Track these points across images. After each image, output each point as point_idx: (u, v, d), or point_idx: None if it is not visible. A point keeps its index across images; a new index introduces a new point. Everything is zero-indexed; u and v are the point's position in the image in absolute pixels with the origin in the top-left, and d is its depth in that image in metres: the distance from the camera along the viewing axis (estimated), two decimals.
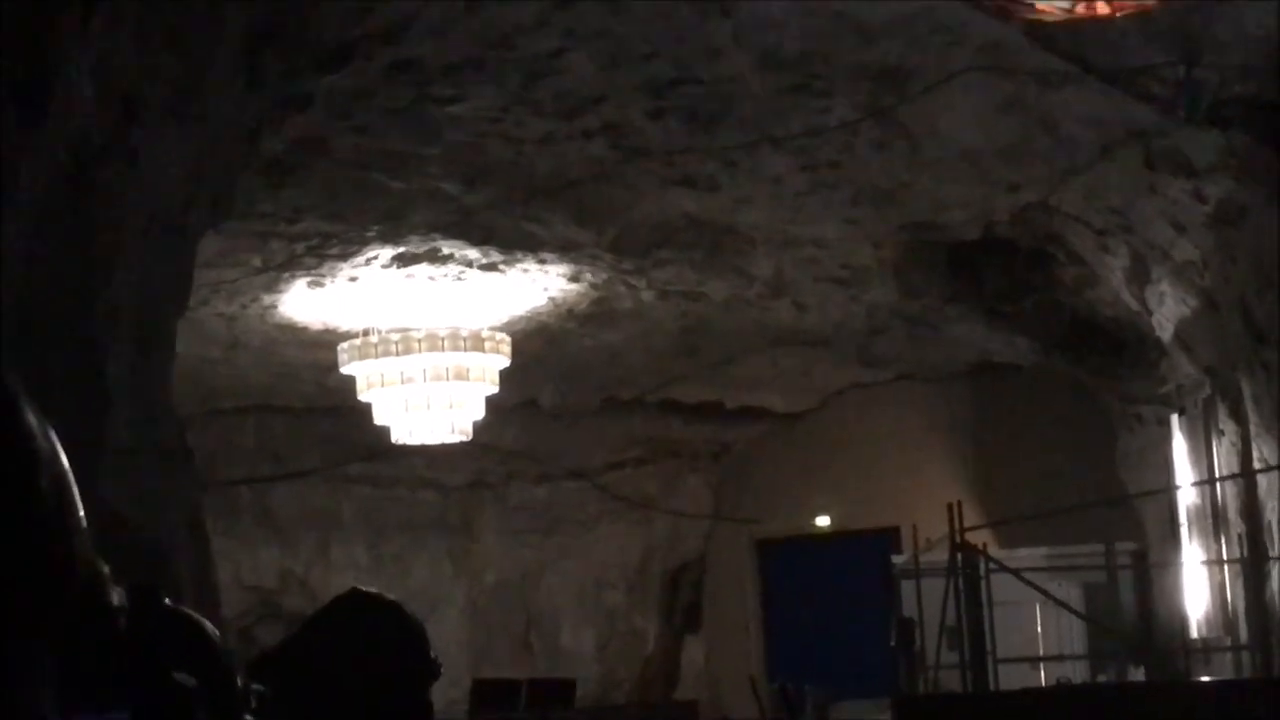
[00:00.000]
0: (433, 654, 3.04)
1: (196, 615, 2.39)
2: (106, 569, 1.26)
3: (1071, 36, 13.09)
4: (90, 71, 9.39)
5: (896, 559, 17.67)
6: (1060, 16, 10.86)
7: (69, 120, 9.43)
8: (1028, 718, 14.61)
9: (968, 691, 14.27)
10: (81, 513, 1.17)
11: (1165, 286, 17.51)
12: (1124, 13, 10.78)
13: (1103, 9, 10.56)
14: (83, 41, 9.23)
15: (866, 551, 23.93)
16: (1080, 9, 10.61)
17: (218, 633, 2.07)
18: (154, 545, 10.11)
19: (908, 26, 13.05)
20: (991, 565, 15.01)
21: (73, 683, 1.23)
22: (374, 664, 2.95)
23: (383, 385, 19.20)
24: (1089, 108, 14.62)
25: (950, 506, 15.20)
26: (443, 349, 18.78)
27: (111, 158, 10.09)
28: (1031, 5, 10.77)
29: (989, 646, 14.74)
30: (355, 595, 3.07)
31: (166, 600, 2.31)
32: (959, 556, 14.58)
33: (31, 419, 1.19)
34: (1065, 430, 22.42)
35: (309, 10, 11.02)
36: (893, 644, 15.88)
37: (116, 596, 1.29)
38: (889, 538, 22.68)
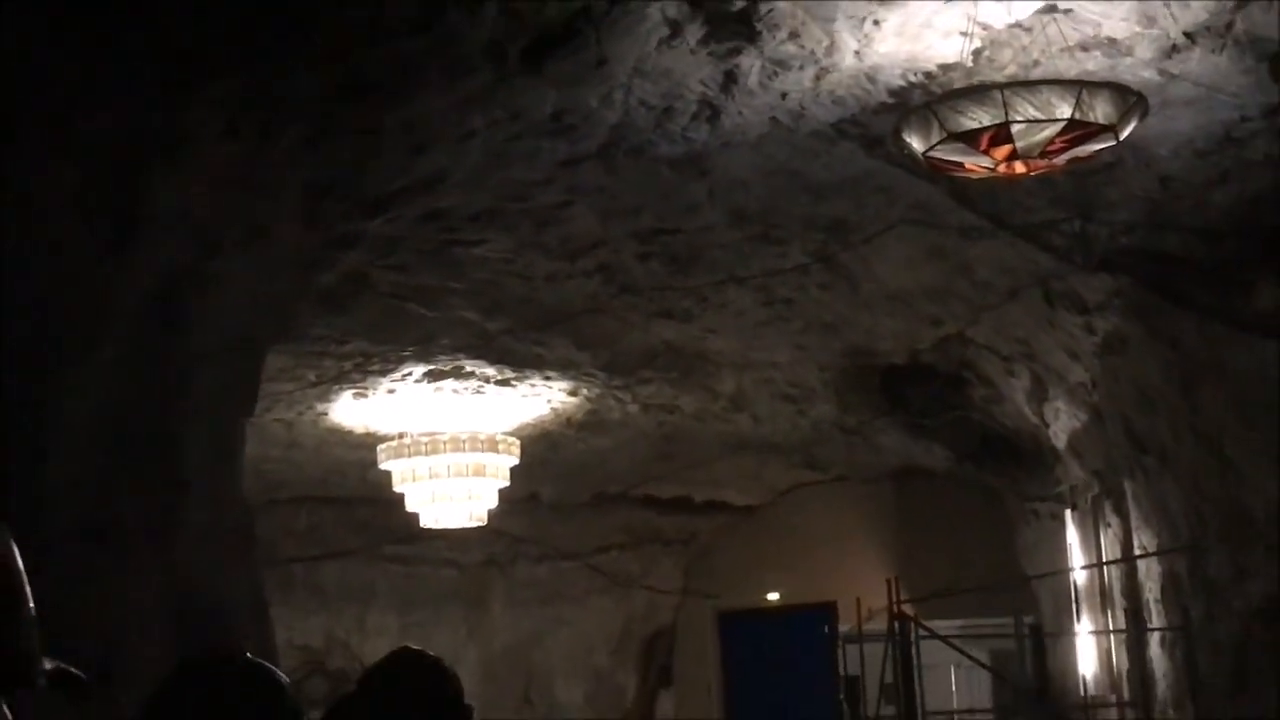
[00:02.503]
0: (467, 701, 3.06)
1: (271, 666, 2.24)
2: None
3: (987, 196, 12.99)
4: (176, 211, 9.25)
5: (843, 627, 17.36)
6: (984, 175, 10.65)
7: (157, 251, 9.28)
8: None
9: None
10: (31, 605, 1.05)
11: (1060, 404, 17.42)
12: (1037, 172, 10.59)
13: (1020, 169, 10.36)
14: (169, 185, 9.06)
15: (809, 621, 23.87)
16: (1001, 169, 10.41)
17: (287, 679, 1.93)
18: (223, 610, 9.94)
19: (852, 187, 12.96)
20: (921, 632, 14.78)
21: None
22: (426, 706, 2.96)
23: (414, 479, 19.41)
24: (1000, 256, 14.54)
25: (889, 582, 15.15)
26: (464, 449, 19.03)
27: (192, 284, 9.98)
28: (961, 165, 10.56)
29: (919, 702, 14.54)
30: (408, 652, 3.01)
31: (249, 655, 2.25)
32: (896, 624, 14.34)
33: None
34: (974, 523, 22.41)
35: (359, 167, 10.88)
36: (841, 697, 15.67)
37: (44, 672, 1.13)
38: (828, 610, 22.63)
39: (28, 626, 0.98)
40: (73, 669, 1.84)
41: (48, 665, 1.06)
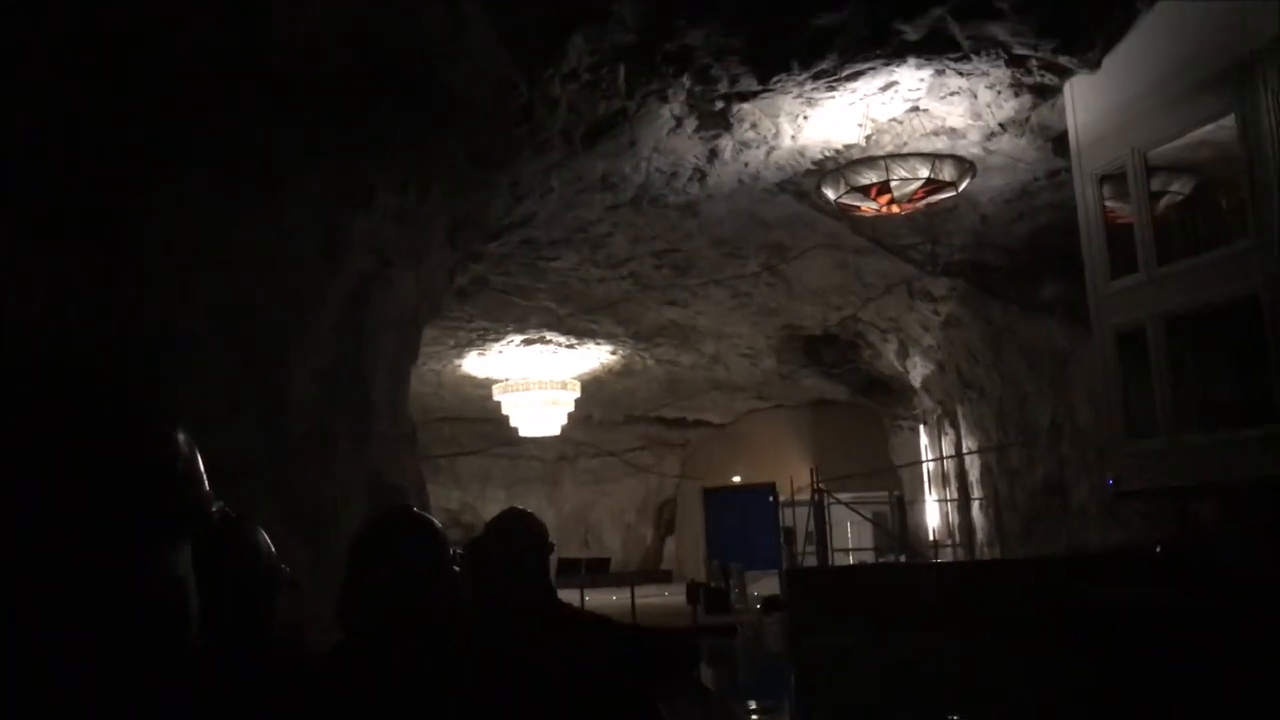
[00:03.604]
0: (551, 539, 2.89)
1: (431, 517, 2.06)
2: (217, 504, 0.98)
3: (872, 228, 12.80)
4: (365, 238, 9.12)
5: (782, 497, 17.19)
6: (873, 214, 10.49)
7: (355, 263, 9.15)
8: (848, 577, 14.28)
9: (820, 565, 13.95)
10: (202, 471, 0.94)
11: (917, 359, 17.25)
12: (906, 212, 10.42)
13: (896, 209, 10.19)
14: (361, 222, 8.94)
15: (760, 494, 23.66)
16: (884, 210, 10.24)
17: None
18: (399, 488, 9.84)
19: (788, 223, 12.79)
20: (830, 500, 14.63)
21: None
22: (526, 541, 2.79)
23: (515, 406, 19.22)
24: (880, 266, 14.36)
25: (812, 470, 14.96)
26: (545, 388, 18.84)
27: (377, 285, 9.84)
28: (858, 207, 10.40)
29: (829, 543, 14.41)
30: (514, 510, 2.88)
31: (416, 510, 2.08)
32: (815, 496, 14.21)
33: (177, 436, 0.93)
34: (863, 433, 22.24)
35: (481, 210, 10.75)
36: (781, 540, 15.52)
37: (216, 510, 1.00)
38: (772, 487, 22.36)
39: (186, 481, 0.79)
40: (229, 510, 1.67)
41: (214, 508, 0.90)
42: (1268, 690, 6.00)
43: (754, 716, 9.72)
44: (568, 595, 3.03)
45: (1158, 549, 7.79)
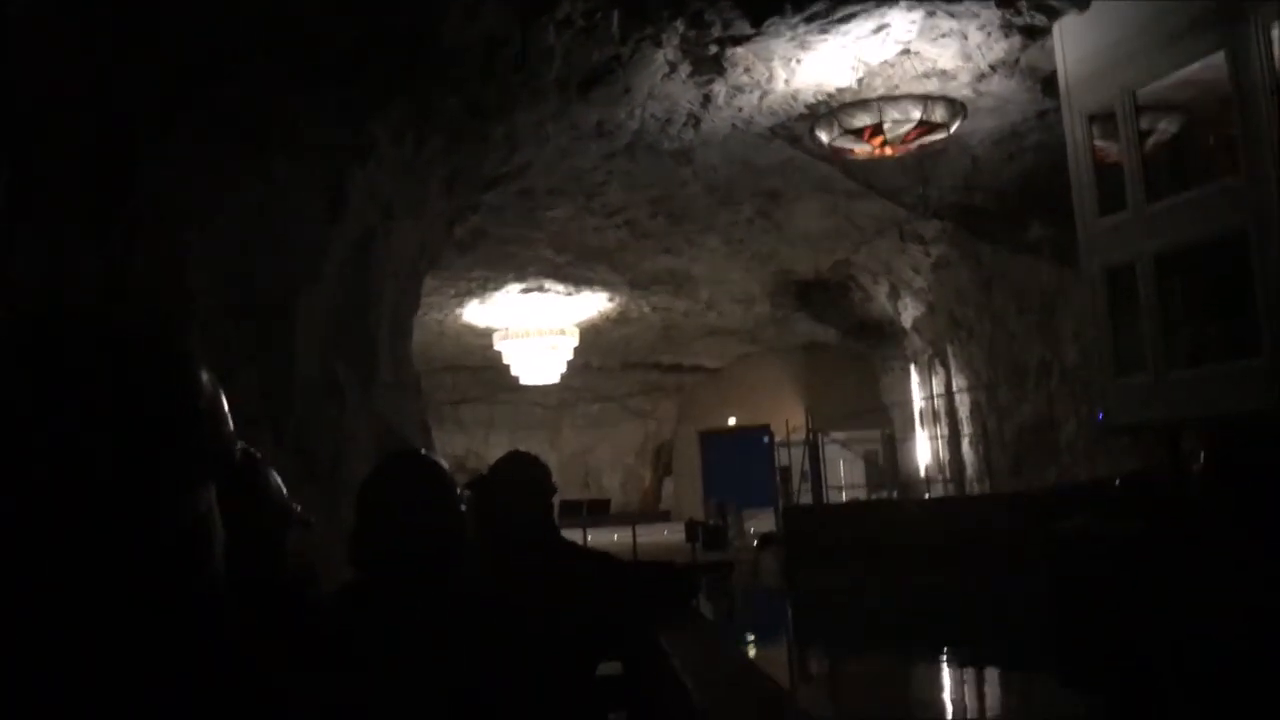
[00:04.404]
0: (554, 480, 2.95)
1: (437, 459, 2.11)
2: (239, 444, 0.97)
3: (864, 172, 12.69)
4: (366, 189, 9.03)
5: (777, 438, 17.26)
6: (866, 156, 10.38)
7: (356, 214, 9.06)
8: (842, 512, 14.37)
9: (815, 503, 14.02)
10: (229, 419, 0.93)
11: (908, 301, 17.21)
12: (898, 154, 10.32)
13: (889, 151, 10.09)
14: (362, 173, 8.84)
15: (755, 435, 23.81)
16: (877, 152, 10.13)
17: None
18: (403, 433, 9.84)
19: (781, 167, 12.67)
20: (824, 440, 14.68)
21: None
22: (527, 482, 2.84)
23: (516, 354, 19.12)
24: (871, 210, 14.27)
25: (807, 410, 14.99)
26: (545, 335, 18.75)
27: (378, 237, 9.76)
28: (852, 150, 10.29)
29: (824, 481, 14.47)
30: (518, 452, 2.87)
31: (423, 453, 2.12)
32: (809, 436, 14.23)
33: (200, 375, 0.91)
34: (854, 374, 22.22)
35: (478, 161, 10.62)
36: (777, 480, 15.58)
37: (239, 453, 1.00)
38: (767, 429, 22.47)
39: (212, 420, 0.81)
40: (251, 449, 1.67)
41: (237, 446, 0.92)
42: (1177, 603, 6.60)
43: (751, 649, 9.82)
44: (570, 535, 3.04)
45: (1117, 483, 7.96)
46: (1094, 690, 6.92)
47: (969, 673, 8.31)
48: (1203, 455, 7.43)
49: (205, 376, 0.91)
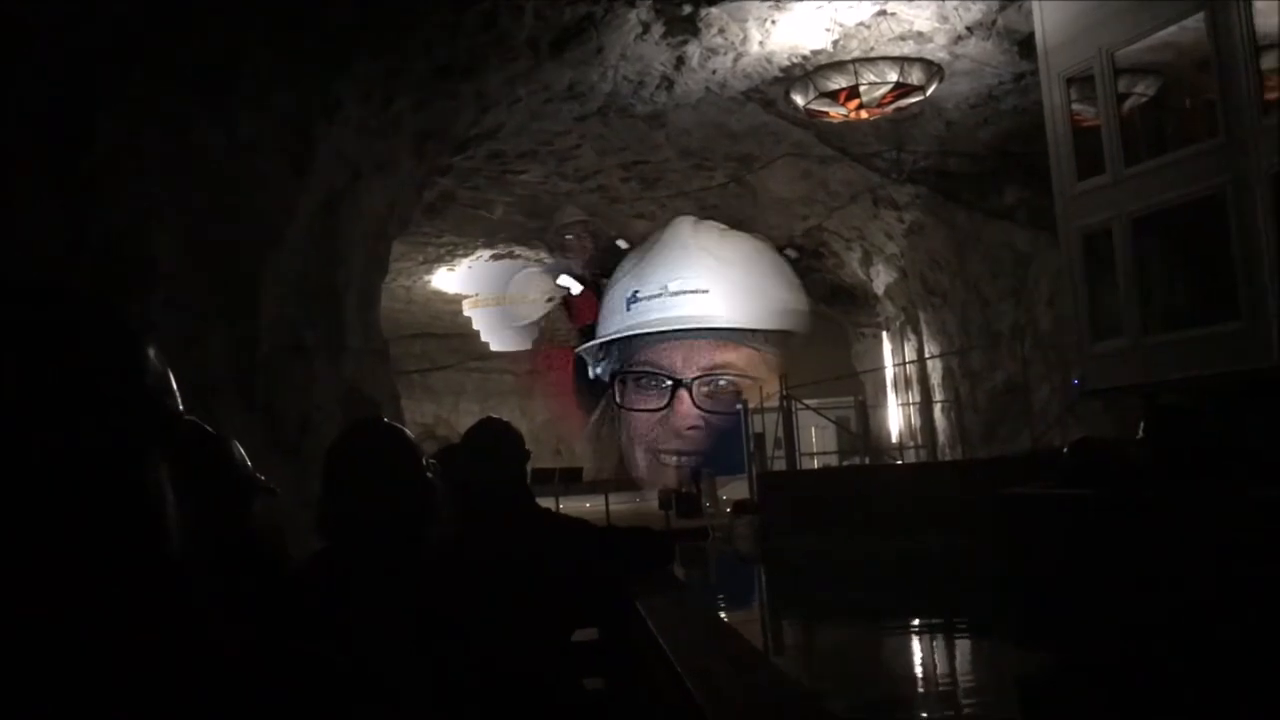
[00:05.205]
0: (526, 447, 2.86)
1: (403, 428, 2.06)
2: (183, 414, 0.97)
3: (837, 136, 12.58)
4: (334, 150, 8.82)
5: (752, 404, 17.20)
6: (841, 119, 10.27)
7: (323, 175, 8.86)
8: (814, 479, 14.38)
9: (788, 469, 13.99)
10: (178, 395, 0.94)
11: (880, 267, 17.16)
12: (875, 116, 10.21)
13: (865, 114, 9.97)
14: (329, 134, 8.63)
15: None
16: (852, 116, 10.02)
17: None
18: (373, 401, 9.70)
19: (755, 133, 12.55)
20: (798, 406, 14.63)
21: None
22: (500, 448, 2.78)
23: (486, 321, 19.00)
24: (845, 175, 14.17)
25: (782, 377, 14.89)
26: (514, 304, 18.57)
27: (345, 200, 9.56)
28: (827, 113, 10.17)
29: (797, 446, 14.43)
30: (490, 419, 2.86)
31: (389, 421, 2.07)
32: (783, 402, 14.18)
33: (147, 352, 0.93)
34: (827, 341, 22.03)
35: (448, 122, 10.41)
36: (751, 447, 15.51)
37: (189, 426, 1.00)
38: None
39: (157, 393, 0.82)
40: (206, 426, 1.62)
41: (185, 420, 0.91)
42: (1109, 563, 6.71)
43: (724, 613, 9.82)
44: (543, 503, 2.93)
45: (1064, 450, 8.04)
46: (1039, 648, 7.08)
47: (925, 636, 8.48)
48: (1141, 426, 7.55)
49: (152, 353, 0.93)
